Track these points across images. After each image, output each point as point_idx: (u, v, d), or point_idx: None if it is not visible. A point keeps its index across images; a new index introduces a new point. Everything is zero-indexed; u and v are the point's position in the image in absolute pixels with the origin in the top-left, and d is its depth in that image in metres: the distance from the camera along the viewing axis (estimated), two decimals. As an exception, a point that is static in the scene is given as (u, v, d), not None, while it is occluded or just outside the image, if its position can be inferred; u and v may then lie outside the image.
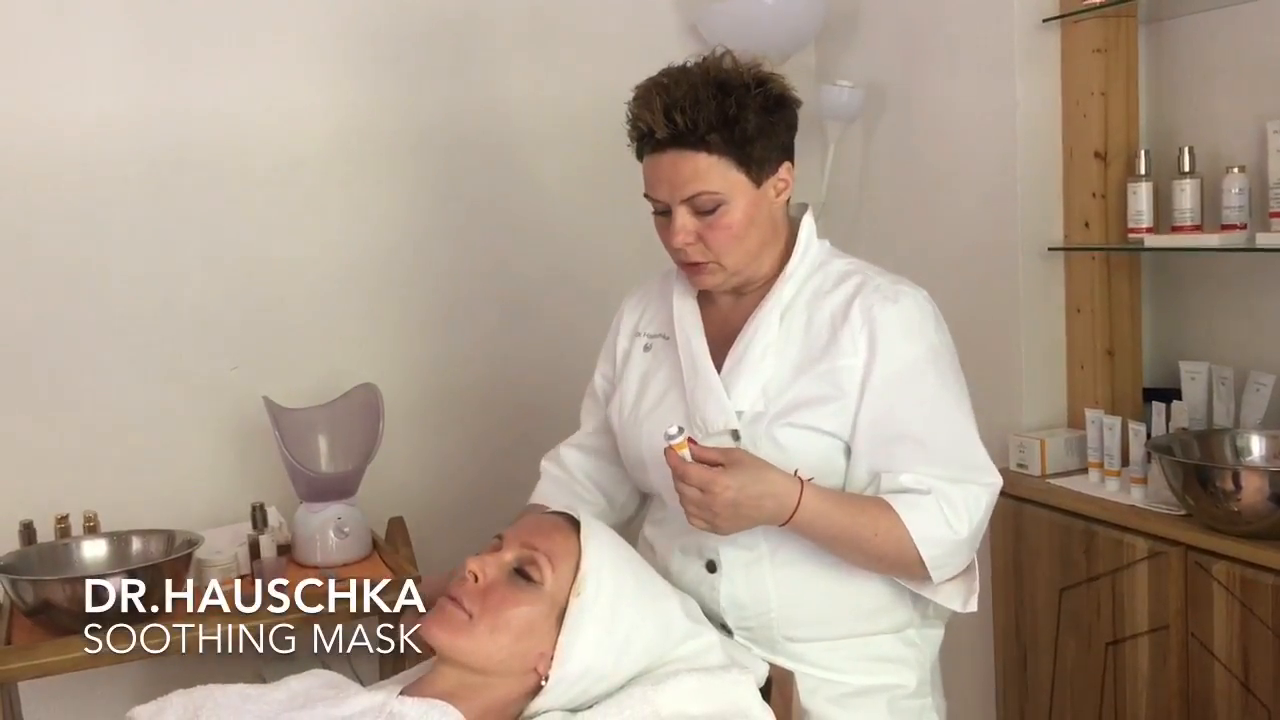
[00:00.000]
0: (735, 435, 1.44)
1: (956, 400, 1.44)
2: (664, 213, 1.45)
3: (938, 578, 1.40)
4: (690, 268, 1.46)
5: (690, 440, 1.32)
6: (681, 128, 1.38)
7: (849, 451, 1.43)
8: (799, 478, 1.35)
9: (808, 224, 1.51)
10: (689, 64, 1.43)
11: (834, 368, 1.42)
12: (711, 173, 1.40)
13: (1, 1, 2.17)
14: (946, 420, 1.42)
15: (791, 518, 1.34)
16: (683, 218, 1.42)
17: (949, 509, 1.38)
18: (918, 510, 1.37)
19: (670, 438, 1.31)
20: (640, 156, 1.46)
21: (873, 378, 1.41)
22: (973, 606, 1.46)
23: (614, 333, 1.65)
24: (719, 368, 1.47)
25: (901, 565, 1.39)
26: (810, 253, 1.50)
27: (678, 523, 1.49)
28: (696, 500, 1.31)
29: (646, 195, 1.46)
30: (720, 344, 1.49)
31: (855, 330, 1.42)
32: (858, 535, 1.37)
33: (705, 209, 1.41)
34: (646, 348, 1.58)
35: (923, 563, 1.37)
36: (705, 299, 1.55)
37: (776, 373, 1.44)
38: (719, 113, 1.38)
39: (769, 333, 1.45)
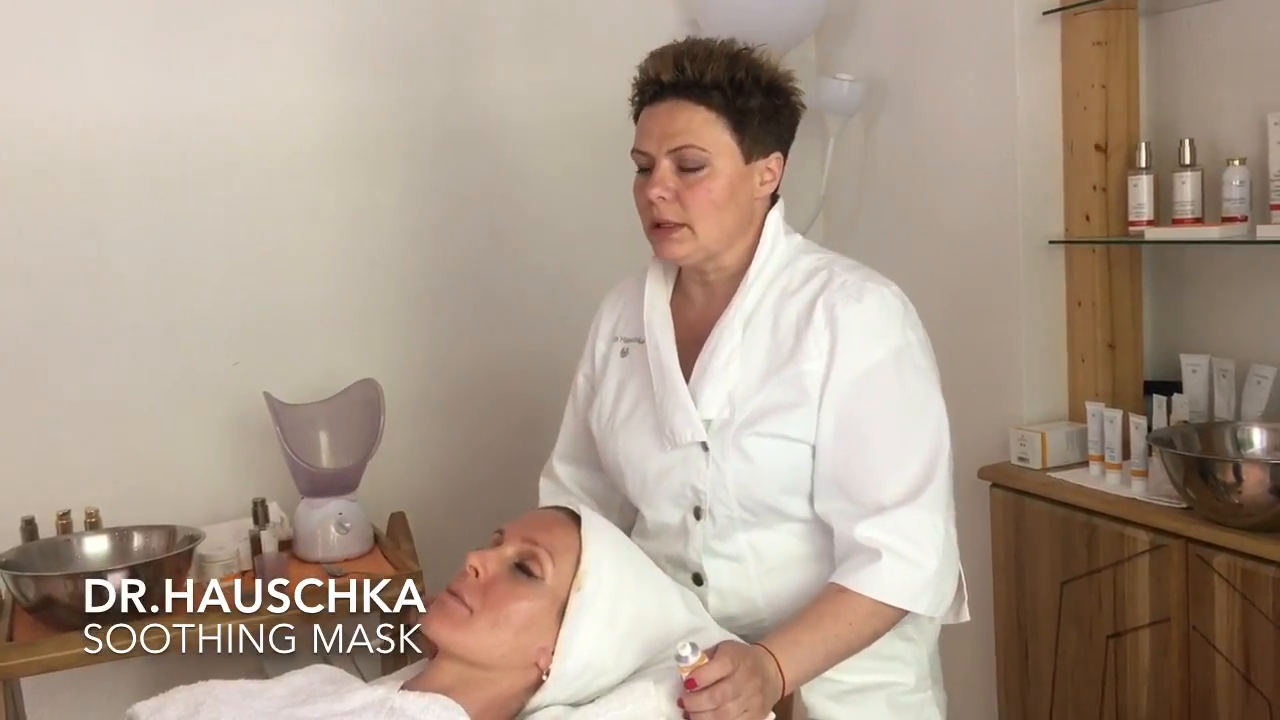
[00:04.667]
0: (704, 446, 1.43)
1: (920, 401, 1.40)
2: (647, 170, 1.42)
3: (941, 613, 1.40)
4: (659, 231, 1.42)
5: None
6: (688, 76, 1.38)
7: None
8: (761, 646, 1.30)
9: (774, 220, 1.47)
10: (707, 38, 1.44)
11: (799, 372, 1.39)
12: (705, 129, 1.39)
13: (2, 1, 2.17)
14: (906, 428, 1.39)
15: (783, 676, 1.30)
16: (664, 170, 1.40)
17: (910, 549, 1.34)
18: (882, 578, 1.33)
19: (683, 659, 1.22)
20: (638, 116, 1.45)
21: (832, 382, 1.38)
22: (965, 616, 1.45)
23: (593, 334, 1.63)
24: (690, 373, 1.44)
25: (898, 622, 1.38)
26: (777, 250, 1.46)
27: (664, 535, 1.50)
28: (738, 709, 1.23)
29: (634, 151, 1.43)
30: (692, 346, 1.46)
31: (818, 331, 1.39)
32: (848, 638, 1.34)
33: (690, 165, 1.39)
34: (624, 352, 1.56)
35: (918, 613, 1.36)
36: (678, 296, 1.52)
37: (743, 379, 1.42)
38: (728, 73, 1.38)
39: (733, 339, 1.43)
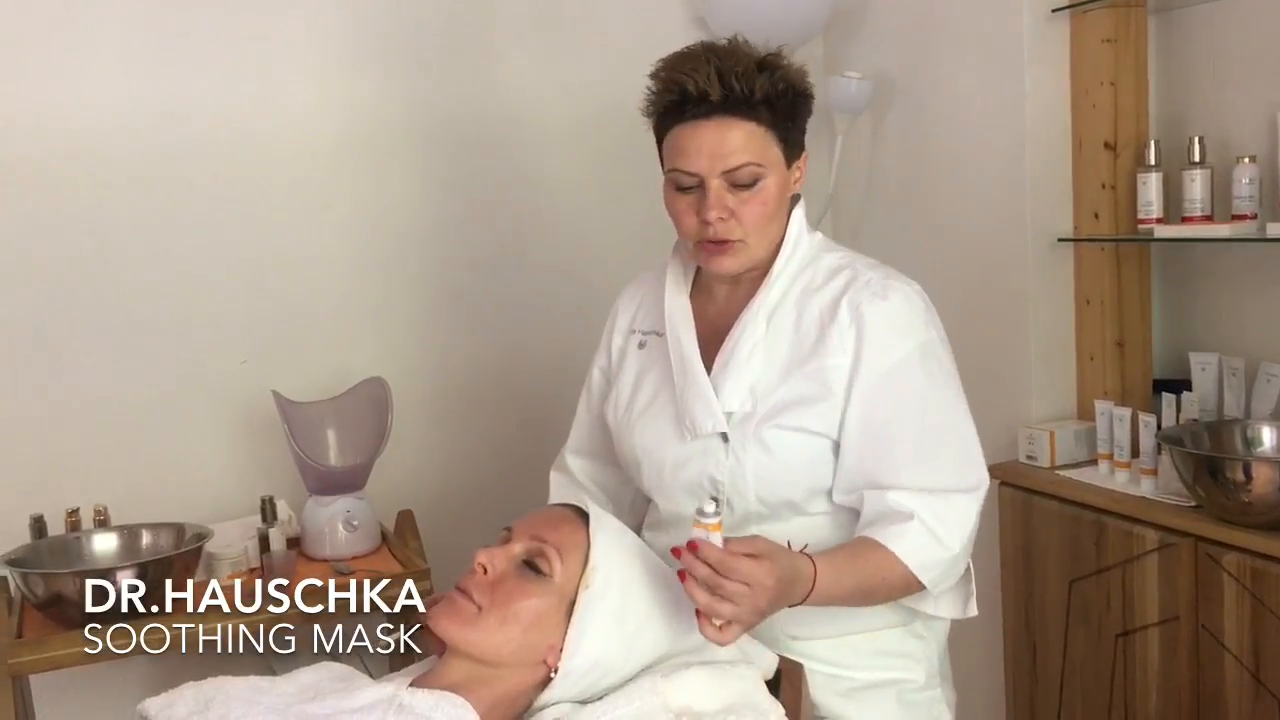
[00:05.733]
0: (724, 438, 1.43)
1: (946, 398, 1.42)
2: (690, 189, 1.41)
3: (937, 592, 1.40)
4: (713, 248, 1.41)
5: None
6: (738, 94, 1.36)
7: (837, 449, 1.41)
8: (805, 554, 1.30)
9: (797, 218, 1.48)
10: (718, 41, 1.42)
11: (822, 366, 1.40)
12: (758, 144, 1.38)
13: (8, 0, 2.17)
14: (934, 421, 1.40)
15: (809, 594, 1.30)
16: (719, 191, 1.38)
17: (939, 527, 1.35)
18: (906, 539, 1.34)
19: (704, 515, 1.20)
20: (666, 129, 1.42)
21: (860, 377, 1.39)
22: (972, 611, 1.45)
23: (609, 329, 1.63)
24: (710, 366, 1.45)
25: (906, 593, 1.39)
26: (801, 248, 1.47)
27: (676, 526, 1.49)
28: (739, 594, 1.20)
29: (674, 169, 1.40)
30: (713, 341, 1.47)
31: (843, 328, 1.40)
32: (869, 585, 1.35)
33: (744, 183, 1.39)
34: (641, 345, 1.56)
35: (923, 586, 1.36)
36: (699, 293, 1.53)
37: (765, 372, 1.42)
38: (769, 85, 1.37)
39: (756, 332, 1.43)
